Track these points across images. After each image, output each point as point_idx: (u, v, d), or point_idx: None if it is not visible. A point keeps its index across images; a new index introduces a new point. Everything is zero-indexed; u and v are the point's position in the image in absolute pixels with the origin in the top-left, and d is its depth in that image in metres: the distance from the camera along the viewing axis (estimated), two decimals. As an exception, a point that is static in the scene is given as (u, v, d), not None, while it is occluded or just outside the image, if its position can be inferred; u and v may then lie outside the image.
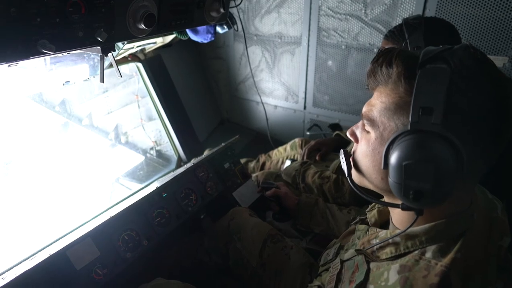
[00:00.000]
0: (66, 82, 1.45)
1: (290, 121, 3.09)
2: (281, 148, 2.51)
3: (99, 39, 1.02)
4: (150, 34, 1.20)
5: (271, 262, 1.39)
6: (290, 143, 2.47)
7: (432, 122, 0.65)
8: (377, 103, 0.78)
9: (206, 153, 2.12)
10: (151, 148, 2.86)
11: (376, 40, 2.38)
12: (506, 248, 0.82)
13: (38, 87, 1.45)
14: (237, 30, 2.39)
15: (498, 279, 0.76)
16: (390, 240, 0.81)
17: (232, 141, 1.98)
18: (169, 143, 2.78)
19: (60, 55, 1.19)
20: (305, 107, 2.93)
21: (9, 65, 0.90)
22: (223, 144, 1.94)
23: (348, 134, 0.90)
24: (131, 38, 1.15)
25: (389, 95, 0.76)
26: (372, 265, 0.83)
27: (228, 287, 1.55)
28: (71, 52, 1.13)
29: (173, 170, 2.59)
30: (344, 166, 0.91)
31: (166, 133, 2.75)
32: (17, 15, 0.81)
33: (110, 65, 1.65)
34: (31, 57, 0.90)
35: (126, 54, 2.32)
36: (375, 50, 2.39)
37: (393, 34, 1.48)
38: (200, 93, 3.35)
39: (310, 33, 2.62)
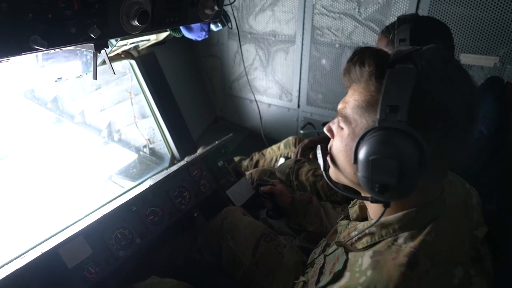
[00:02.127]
0: (58, 78, 1.44)
1: (284, 120, 3.09)
2: (274, 147, 2.51)
3: (92, 36, 1.01)
4: (144, 31, 1.19)
5: (264, 261, 1.40)
6: (283, 141, 2.47)
7: (398, 119, 0.69)
8: (351, 101, 0.82)
9: (199, 151, 2.12)
10: (144, 146, 2.85)
11: (369, 39, 2.39)
12: (481, 238, 0.85)
13: (30, 83, 1.43)
14: (231, 28, 2.39)
15: (471, 268, 0.80)
16: (366, 231, 0.85)
17: (226, 139, 1.97)
18: (162, 141, 2.77)
19: (52, 51, 1.18)
20: (298, 106, 2.94)
21: (0, 61, 0.89)
22: (216, 142, 1.93)
23: (325, 130, 0.94)
24: (125, 35, 1.14)
25: (361, 93, 0.79)
26: (350, 255, 0.86)
27: (221, 286, 1.55)
28: (63, 49, 1.12)
29: (166, 168, 2.58)
30: (320, 161, 0.95)
31: (160, 131, 2.74)
32: (8, 10, 0.80)
33: (103, 62, 1.64)
34: (22, 53, 0.89)
35: (119, 51, 2.31)
36: (369, 49, 2.40)
37: (387, 29, 1.53)
38: (194, 91, 3.34)
39: (304, 32, 2.62)
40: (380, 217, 0.80)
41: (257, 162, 2.54)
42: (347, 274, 0.81)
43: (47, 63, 1.32)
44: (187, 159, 1.81)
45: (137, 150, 2.83)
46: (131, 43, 2.20)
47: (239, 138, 3.23)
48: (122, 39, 1.79)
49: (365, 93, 0.78)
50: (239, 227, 1.51)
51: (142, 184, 1.65)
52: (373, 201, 0.80)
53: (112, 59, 2.31)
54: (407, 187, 0.72)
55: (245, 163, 2.58)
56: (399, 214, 0.80)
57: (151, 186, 1.53)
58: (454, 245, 0.78)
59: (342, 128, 0.85)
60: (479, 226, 0.86)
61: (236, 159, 2.53)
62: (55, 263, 1.22)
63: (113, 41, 1.53)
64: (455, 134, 0.74)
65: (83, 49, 1.27)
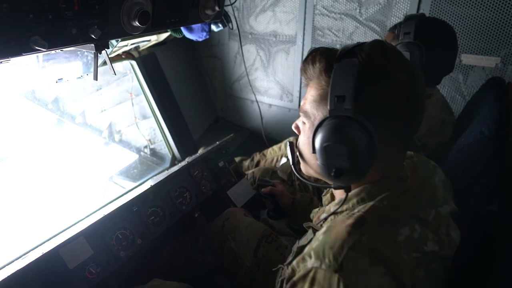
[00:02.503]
0: (59, 79, 1.44)
1: (285, 120, 3.09)
2: (275, 147, 2.51)
3: (93, 36, 1.01)
4: (145, 31, 1.19)
5: (266, 261, 1.40)
6: (284, 141, 2.47)
7: (344, 108, 0.75)
8: (308, 97, 0.89)
9: (200, 151, 2.12)
10: (145, 147, 2.85)
11: (370, 39, 2.38)
12: (446, 216, 0.87)
13: (31, 84, 1.44)
14: (232, 29, 2.40)
15: (429, 233, 0.81)
16: (331, 210, 0.92)
17: (227, 140, 1.97)
18: (163, 141, 2.77)
19: (53, 52, 1.18)
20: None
21: (1, 62, 0.89)
22: (217, 142, 1.93)
23: (292, 127, 1.01)
24: (125, 35, 1.14)
25: (316, 89, 0.86)
26: (317, 234, 0.89)
27: (222, 287, 1.55)
28: (64, 49, 1.12)
29: (167, 169, 2.58)
30: (289, 156, 1.01)
31: (160, 132, 2.74)
32: (9, 11, 0.80)
33: (104, 63, 1.64)
34: (23, 54, 0.89)
35: (120, 51, 2.31)
36: (370, 50, 2.40)
37: (394, 26, 1.58)
38: (195, 92, 3.34)
39: (305, 32, 2.62)
40: (344, 200, 0.86)
41: (258, 162, 2.54)
42: (308, 246, 0.85)
43: (48, 64, 1.32)
44: (188, 159, 1.81)
45: (138, 150, 2.83)
46: (131, 44, 2.21)
47: (240, 138, 3.23)
48: (122, 40, 1.79)
49: (318, 87, 0.85)
50: (241, 228, 1.51)
51: (143, 185, 1.65)
52: (335, 187, 0.86)
53: (113, 59, 2.31)
54: (360, 169, 0.78)
55: (246, 163, 2.58)
56: (357, 189, 0.86)
57: (152, 187, 1.53)
58: (406, 212, 0.81)
59: (304, 123, 0.92)
60: (444, 204, 0.89)
61: (237, 159, 2.53)
62: (56, 263, 1.22)
63: (113, 41, 1.52)
64: (400, 119, 0.80)
65: (83, 50, 1.27)
